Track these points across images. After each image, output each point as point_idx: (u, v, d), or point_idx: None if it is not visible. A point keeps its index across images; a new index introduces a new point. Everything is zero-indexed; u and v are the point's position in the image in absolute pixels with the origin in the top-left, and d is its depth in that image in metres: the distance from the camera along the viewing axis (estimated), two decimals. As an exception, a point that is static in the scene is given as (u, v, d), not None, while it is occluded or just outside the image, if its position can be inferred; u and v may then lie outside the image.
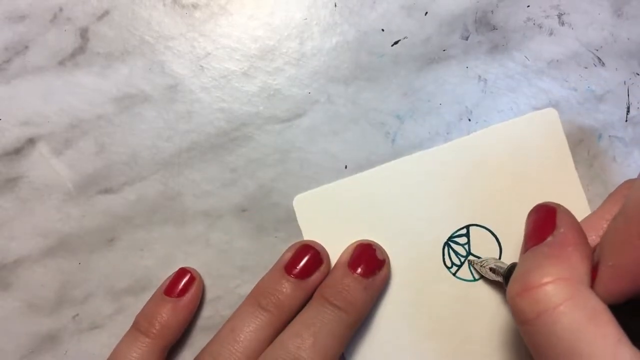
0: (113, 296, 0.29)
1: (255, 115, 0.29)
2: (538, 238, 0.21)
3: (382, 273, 0.27)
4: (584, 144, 0.29)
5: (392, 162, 0.29)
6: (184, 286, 0.27)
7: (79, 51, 0.30)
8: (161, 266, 0.29)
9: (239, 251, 0.29)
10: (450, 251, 0.28)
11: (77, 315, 0.29)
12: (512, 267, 0.25)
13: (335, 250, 0.28)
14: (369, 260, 0.27)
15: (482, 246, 0.28)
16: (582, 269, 0.20)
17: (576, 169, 0.28)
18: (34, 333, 0.29)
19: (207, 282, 0.29)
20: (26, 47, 0.30)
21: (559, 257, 0.20)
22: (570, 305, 0.18)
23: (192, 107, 0.29)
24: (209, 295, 0.29)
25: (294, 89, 0.29)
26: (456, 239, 0.28)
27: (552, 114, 0.28)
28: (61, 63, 0.30)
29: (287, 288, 0.26)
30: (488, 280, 0.28)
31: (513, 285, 0.20)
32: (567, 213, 0.22)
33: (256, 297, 0.26)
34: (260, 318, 0.26)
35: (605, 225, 0.23)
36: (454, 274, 0.28)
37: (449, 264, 0.28)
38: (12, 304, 0.29)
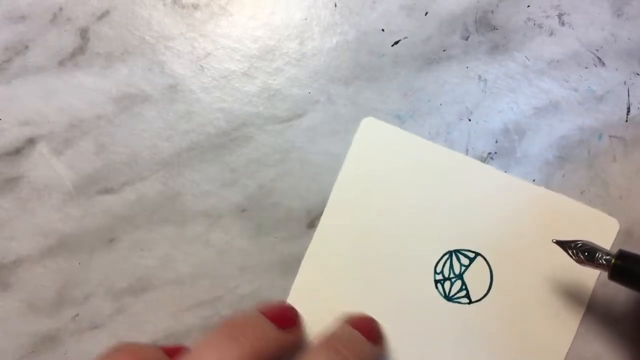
0: (113, 296, 0.29)
1: (255, 115, 0.29)
2: None
3: (381, 346, 0.27)
4: (584, 144, 0.29)
5: (469, 159, 0.29)
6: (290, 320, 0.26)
7: (79, 51, 0.30)
8: (161, 266, 0.29)
9: (239, 251, 0.29)
10: (453, 260, 0.28)
11: (77, 315, 0.29)
12: (622, 256, 0.23)
13: (365, 186, 0.28)
14: (371, 328, 0.27)
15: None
16: None
17: (576, 169, 0.28)
18: (34, 333, 0.29)
19: (207, 282, 0.29)
20: (26, 47, 0.30)
21: None
22: None
23: (192, 107, 0.29)
24: (209, 295, 0.29)
25: (294, 89, 0.29)
26: (465, 252, 0.28)
27: (613, 224, 0.28)
28: (61, 63, 0.30)
29: (266, 327, 0.24)
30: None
31: None
32: None
33: (230, 328, 0.23)
34: (232, 348, 0.22)
35: None
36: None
37: (439, 269, 0.28)
38: (12, 304, 0.29)
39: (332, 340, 0.25)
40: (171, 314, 0.29)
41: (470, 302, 0.28)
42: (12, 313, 0.29)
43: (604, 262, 0.23)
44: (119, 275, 0.29)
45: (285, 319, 0.25)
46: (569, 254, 0.24)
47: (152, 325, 0.28)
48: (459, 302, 0.28)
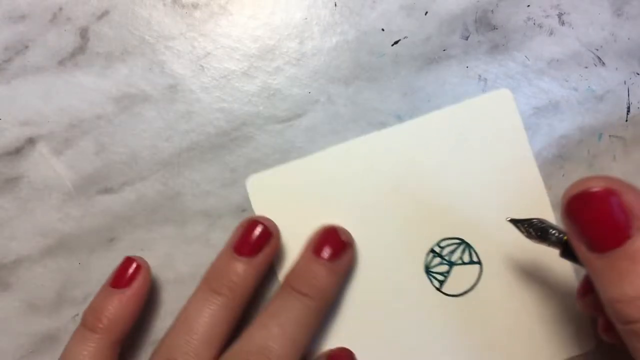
0: (113, 296, 0.29)
1: (255, 115, 0.29)
2: (613, 241, 0.19)
3: (348, 255, 0.27)
4: (584, 144, 0.29)
5: (349, 141, 0.29)
6: (130, 276, 0.26)
7: (79, 51, 0.30)
8: (161, 266, 0.29)
9: (239, 251, 0.29)
10: (461, 248, 0.28)
11: (77, 315, 0.29)
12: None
13: (294, 234, 0.28)
14: (333, 243, 0.26)
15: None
16: None
17: (576, 169, 0.28)
18: (34, 333, 0.29)
19: (207, 282, 0.29)
20: (26, 47, 0.30)
21: None
22: None
23: (192, 107, 0.29)
24: (209, 295, 0.29)
25: (294, 88, 0.29)
26: (474, 252, 0.28)
27: (506, 95, 0.28)
28: (61, 63, 0.30)
29: (239, 268, 0.25)
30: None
31: (628, 308, 0.18)
32: (635, 193, 0.19)
33: (208, 282, 0.26)
34: (214, 302, 0.25)
35: None
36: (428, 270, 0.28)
37: (444, 244, 0.28)
38: (12, 304, 0.29)
39: (290, 279, 0.26)
40: (171, 314, 0.29)
41: (438, 290, 0.28)
42: (12, 313, 0.29)
43: (556, 240, 0.23)
44: (119, 275, 0.29)
45: (256, 244, 0.26)
46: (521, 231, 0.24)
47: (152, 324, 0.29)
48: (431, 281, 0.28)
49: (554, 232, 0.23)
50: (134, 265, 0.27)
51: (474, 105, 0.28)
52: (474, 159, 0.28)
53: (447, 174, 0.28)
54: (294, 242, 0.28)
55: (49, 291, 0.29)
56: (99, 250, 0.29)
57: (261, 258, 0.26)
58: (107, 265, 0.29)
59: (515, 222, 0.24)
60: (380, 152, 0.28)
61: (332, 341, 0.28)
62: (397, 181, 0.28)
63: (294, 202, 0.28)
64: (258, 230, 0.26)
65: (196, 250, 0.29)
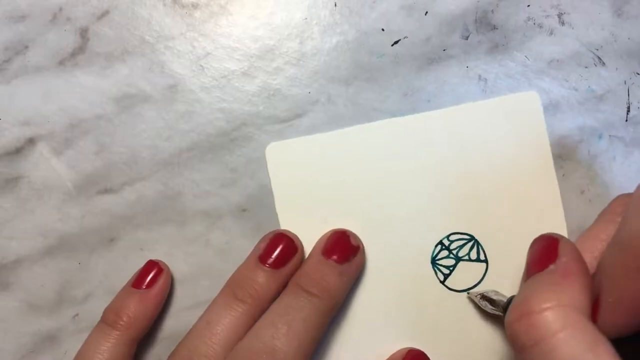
0: (113, 296, 0.29)
1: (255, 115, 0.29)
2: (539, 266, 0.21)
3: (357, 259, 0.27)
4: (584, 144, 0.29)
5: (373, 122, 0.29)
6: (152, 278, 0.27)
7: (79, 51, 0.30)
8: (161, 266, 0.29)
9: (239, 251, 0.29)
10: (470, 244, 0.28)
11: (77, 315, 0.29)
12: (512, 299, 0.25)
13: (305, 207, 0.28)
14: (343, 246, 0.27)
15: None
16: (583, 299, 0.19)
17: (576, 169, 0.28)
18: (34, 333, 0.29)
19: (207, 282, 0.29)
20: (26, 47, 0.30)
21: (561, 284, 0.20)
22: (569, 333, 0.18)
23: (192, 107, 0.29)
24: (208, 295, 0.28)
25: (294, 88, 0.29)
26: (482, 250, 0.28)
27: (533, 97, 0.29)
28: (61, 63, 0.30)
29: (262, 278, 0.26)
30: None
31: (512, 311, 0.20)
32: (570, 244, 0.22)
33: (231, 289, 0.26)
34: (236, 309, 0.26)
35: (600, 246, 0.23)
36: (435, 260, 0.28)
37: (454, 238, 0.28)
38: (12, 304, 0.29)
39: (298, 279, 0.26)
40: (171, 314, 0.29)
41: (442, 282, 0.28)
42: (12, 313, 0.29)
43: (501, 307, 0.25)
44: (119, 275, 0.29)
45: (281, 257, 0.27)
46: (477, 303, 0.27)
47: (152, 325, 0.29)
48: (435, 273, 0.28)
49: (499, 301, 0.26)
50: (156, 268, 0.28)
51: (500, 104, 0.28)
52: (495, 157, 0.28)
53: (466, 169, 0.28)
54: (304, 214, 0.28)
55: (49, 291, 0.29)
56: (99, 250, 0.29)
57: (284, 271, 0.27)
58: (107, 265, 0.29)
59: (470, 297, 0.27)
60: (403, 137, 0.28)
61: (333, 325, 0.28)
62: (416, 168, 0.28)
63: (309, 175, 0.28)
64: (284, 244, 0.27)
65: (196, 250, 0.29)
